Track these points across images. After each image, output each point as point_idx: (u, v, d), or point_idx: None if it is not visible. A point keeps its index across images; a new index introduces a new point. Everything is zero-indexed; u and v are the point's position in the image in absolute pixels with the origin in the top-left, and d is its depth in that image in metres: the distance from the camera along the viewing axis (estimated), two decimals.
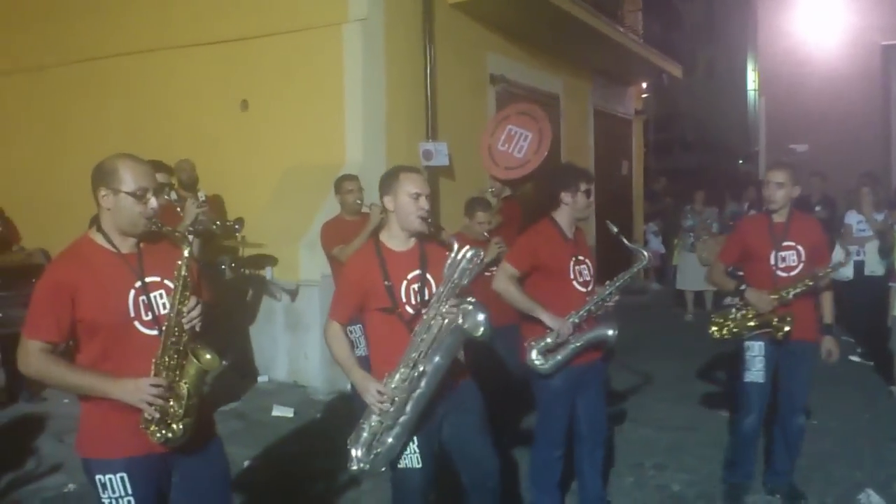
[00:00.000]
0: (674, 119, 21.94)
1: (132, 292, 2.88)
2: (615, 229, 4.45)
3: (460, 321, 3.34)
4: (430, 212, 3.59)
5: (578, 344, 4.27)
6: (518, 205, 6.91)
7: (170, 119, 9.00)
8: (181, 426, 2.82)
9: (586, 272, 4.39)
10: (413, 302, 3.53)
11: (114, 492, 2.84)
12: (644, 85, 16.26)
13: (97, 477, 2.87)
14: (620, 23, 12.76)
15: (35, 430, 6.29)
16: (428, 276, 3.58)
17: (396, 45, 8.49)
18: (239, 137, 8.65)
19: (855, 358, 8.44)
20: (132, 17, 9.27)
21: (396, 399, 3.40)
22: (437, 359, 3.39)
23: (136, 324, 2.87)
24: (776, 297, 4.60)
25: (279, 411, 6.85)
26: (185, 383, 2.82)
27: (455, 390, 3.61)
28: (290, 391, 7.47)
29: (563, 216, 4.40)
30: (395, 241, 3.65)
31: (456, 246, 3.41)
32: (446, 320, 3.39)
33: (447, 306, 3.40)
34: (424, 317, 3.46)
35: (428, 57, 8.73)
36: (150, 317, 2.89)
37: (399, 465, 3.52)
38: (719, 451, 5.81)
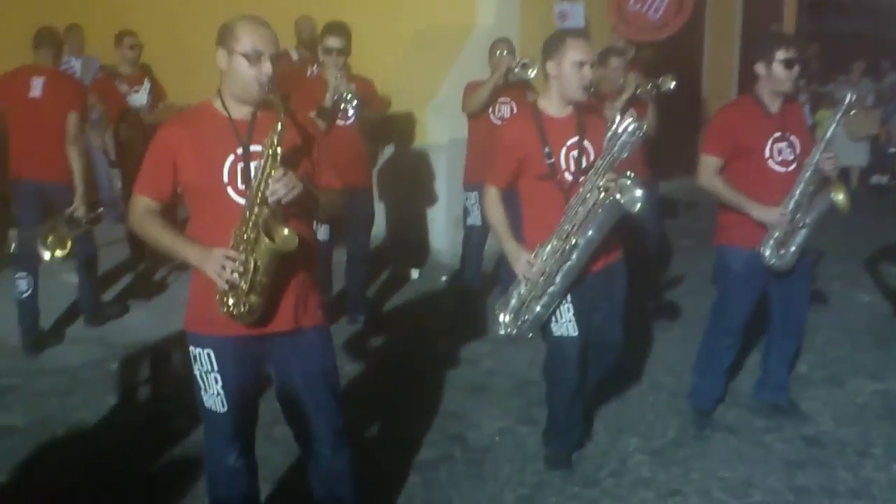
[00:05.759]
0: None
1: (231, 157, 2.75)
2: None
3: (617, 196, 3.33)
4: (593, 81, 3.55)
5: (808, 223, 3.95)
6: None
7: None
8: (245, 304, 2.66)
9: (787, 151, 3.99)
10: (572, 169, 3.54)
11: (202, 365, 2.84)
12: None
13: (190, 348, 2.88)
14: None
15: None
16: (586, 143, 3.56)
17: None
18: None
19: None
20: None
21: (547, 270, 3.47)
22: (590, 233, 3.42)
23: (229, 190, 2.75)
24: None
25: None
26: (255, 259, 2.61)
27: (607, 266, 3.65)
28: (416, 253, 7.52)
29: (762, 89, 4.06)
30: (554, 107, 3.62)
31: (618, 118, 3.36)
32: (602, 194, 3.37)
33: (604, 180, 3.38)
34: (581, 189, 3.44)
35: None
36: (245, 186, 2.74)
37: (555, 334, 3.62)
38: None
